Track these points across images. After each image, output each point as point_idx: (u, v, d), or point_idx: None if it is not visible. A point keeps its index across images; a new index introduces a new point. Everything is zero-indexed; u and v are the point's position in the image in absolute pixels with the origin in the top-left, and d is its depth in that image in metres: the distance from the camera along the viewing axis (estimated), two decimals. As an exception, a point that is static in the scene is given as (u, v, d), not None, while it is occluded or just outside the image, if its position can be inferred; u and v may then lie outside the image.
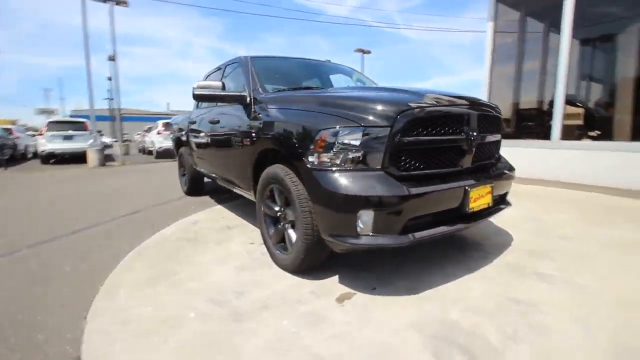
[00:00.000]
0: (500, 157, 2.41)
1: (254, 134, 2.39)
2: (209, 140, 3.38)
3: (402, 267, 2.19)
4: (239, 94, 2.64)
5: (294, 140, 1.90)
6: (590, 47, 5.81)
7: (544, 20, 6.35)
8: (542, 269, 2.13)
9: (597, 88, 5.88)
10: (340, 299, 1.85)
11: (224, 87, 2.66)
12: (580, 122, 5.29)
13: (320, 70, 3.54)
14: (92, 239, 3.01)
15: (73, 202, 4.61)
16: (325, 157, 1.76)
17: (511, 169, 2.32)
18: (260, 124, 2.32)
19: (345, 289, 1.95)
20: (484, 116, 2.04)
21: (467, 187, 1.85)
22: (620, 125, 4.98)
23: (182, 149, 4.79)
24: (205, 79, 4.04)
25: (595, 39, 5.70)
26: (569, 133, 5.24)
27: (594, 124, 5.21)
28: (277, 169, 2.09)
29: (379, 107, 1.73)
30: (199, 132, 3.74)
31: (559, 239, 2.66)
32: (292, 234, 2.13)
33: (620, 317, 1.61)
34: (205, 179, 4.84)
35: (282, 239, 2.27)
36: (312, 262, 2.04)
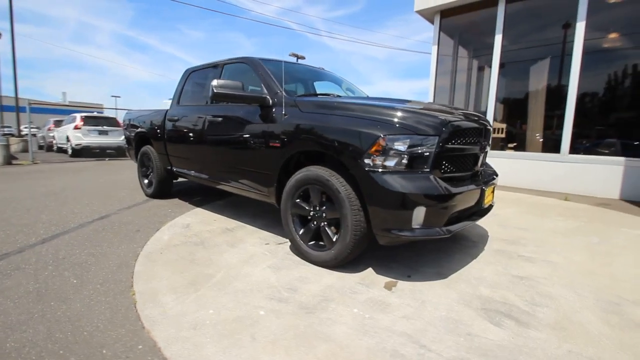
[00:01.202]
0: (486, 163, 2.93)
1: (283, 137, 2.46)
2: (205, 140, 3.25)
3: (421, 258, 2.52)
4: (260, 95, 2.66)
5: (349, 144, 2.07)
6: (507, 75, 7.14)
7: (469, 48, 7.56)
8: (521, 252, 2.69)
9: (513, 109, 7.24)
10: (388, 287, 2.08)
11: (243, 87, 2.65)
12: (503, 135, 6.47)
13: (317, 77, 3.70)
14: (75, 247, 2.64)
15: (11, 207, 3.85)
16: (381, 160, 1.97)
17: (496, 173, 2.85)
18: (294, 126, 2.40)
19: (386, 279, 2.18)
20: (486, 129, 2.50)
21: (483, 187, 2.27)
22: (531, 139, 6.27)
23: (147, 148, 4.40)
24: (188, 77, 3.85)
25: (510, 68, 7.03)
26: (495, 145, 6.37)
27: (513, 138, 6.43)
28: (320, 171, 2.22)
29: (428, 119, 2.02)
30: (186, 131, 3.54)
31: (517, 229, 3.33)
32: (329, 232, 2.27)
33: (591, 282, 2.19)
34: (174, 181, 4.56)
35: (313, 238, 2.40)
36: (355, 255, 2.22)
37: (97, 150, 11.50)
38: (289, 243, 2.79)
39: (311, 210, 2.38)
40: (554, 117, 5.62)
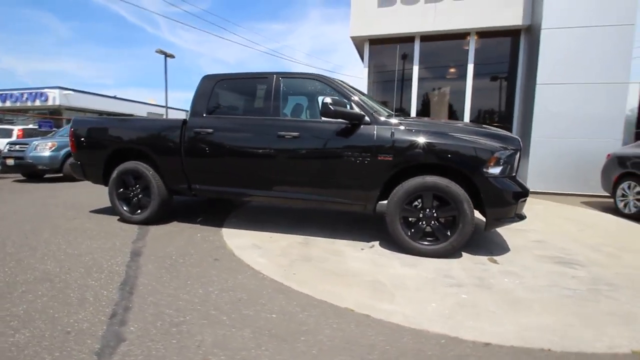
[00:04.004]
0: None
1: (395, 151, 2.83)
2: (275, 155, 3.14)
3: (478, 240, 3.37)
4: (360, 114, 2.92)
5: (472, 157, 2.68)
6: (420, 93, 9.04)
7: (385, 69, 9.14)
8: (513, 227, 3.91)
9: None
10: (492, 261, 2.82)
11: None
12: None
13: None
14: (190, 289, 2.20)
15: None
16: (493, 169, 2.70)
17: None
18: (408, 143, 2.81)
19: (482, 257, 2.91)
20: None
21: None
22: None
23: (135, 165, 3.64)
24: (215, 85, 3.48)
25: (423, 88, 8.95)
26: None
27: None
28: (438, 179, 2.75)
29: (513, 139, 2.87)
30: (237, 145, 3.27)
31: (486, 212, 4.67)
32: (441, 228, 2.83)
33: (566, 238, 3.55)
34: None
35: (423, 235, 2.89)
36: (464, 244, 2.86)
37: None
38: (374, 245, 3.16)
39: (421, 213, 2.86)
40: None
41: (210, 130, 3.35)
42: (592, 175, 5.75)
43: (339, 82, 3.20)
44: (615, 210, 4.82)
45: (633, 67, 5.84)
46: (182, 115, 37.35)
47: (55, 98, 23.96)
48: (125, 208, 3.79)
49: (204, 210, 4.58)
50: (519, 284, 2.39)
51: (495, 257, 2.92)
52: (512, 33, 7.02)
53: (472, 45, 7.15)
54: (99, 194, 5.61)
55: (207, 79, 3.53)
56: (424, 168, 2.90)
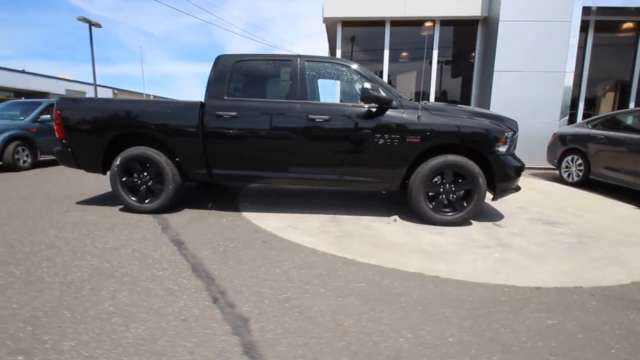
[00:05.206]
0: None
1: (423, 133, 3.13)
2: (305, 137, 3.22)
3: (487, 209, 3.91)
4: (390, 98, 3.13)
5: (487, 137, 3.10)
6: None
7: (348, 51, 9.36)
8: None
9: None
10: (497, 226, 3.36)
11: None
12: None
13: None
14: (278, 276, 2.29)
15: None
16: (503, 148, 3.17)
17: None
18: (433, 125, 3.12)
19: (488, 223, 3.44)
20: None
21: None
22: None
23: (143, 151, 3.42)
24: (234, 66, 3.38)
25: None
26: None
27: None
28: (458, 158, 3.14)
29: (513, 121, 3.35)
30: (263, 128, 3.27)
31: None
32: (459, 200, 3.27)
33: (543, 205, 4.29)
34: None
35: (443, 206, 3.30)
36: (476, 213, 3.34)
37: None
38: (396, 219, 3.51)
39: (441, 187, 3.25)
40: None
41: (234, 114, 3.28)
42: (536, 151, 6.82)
43: (364, 68, 3.36)
44: (560, 180, 5.86)
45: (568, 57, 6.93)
46: (109, 93, 33.39)
47: (-58, 72, 19.56)
48: (132, 197, 3.55)
49: (205, 196, 4.45)
50: (528, 242, 2.93)
51: (497, 223, 3.46)
52: (470, 23, 7.72)
53: (437, 32, 7.71)
54: (68, 183, 5.03)
55: (223, 59, 3.40)
56: (441, 148, 3.27)
